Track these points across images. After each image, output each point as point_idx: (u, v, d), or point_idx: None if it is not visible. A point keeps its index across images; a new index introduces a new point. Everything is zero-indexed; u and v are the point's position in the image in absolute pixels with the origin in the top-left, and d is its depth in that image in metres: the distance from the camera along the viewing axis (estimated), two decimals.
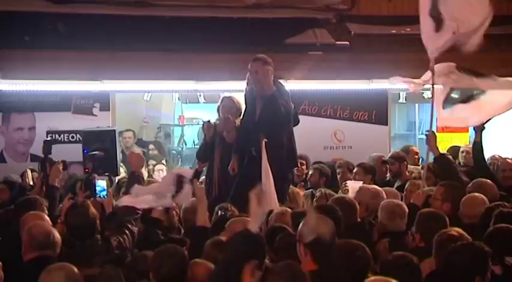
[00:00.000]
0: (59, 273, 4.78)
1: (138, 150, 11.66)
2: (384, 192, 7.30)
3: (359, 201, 6.95)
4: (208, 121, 8.91)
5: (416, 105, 14.02)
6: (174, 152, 13.32)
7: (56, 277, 4.72)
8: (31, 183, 8.77)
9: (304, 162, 10.15)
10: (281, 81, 8.49)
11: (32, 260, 5.46)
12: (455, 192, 6.93)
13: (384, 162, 9.78)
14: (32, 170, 10.22)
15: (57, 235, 5.69)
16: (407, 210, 6.66)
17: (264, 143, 7.59)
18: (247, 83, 8.31)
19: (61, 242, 5.73)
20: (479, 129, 8.53)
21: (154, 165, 12.08)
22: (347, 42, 12.17)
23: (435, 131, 8.42)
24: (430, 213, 6.18)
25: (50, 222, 6.13)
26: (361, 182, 8.27)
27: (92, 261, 5.62)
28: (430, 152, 7.92)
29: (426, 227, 5.91)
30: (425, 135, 8.20)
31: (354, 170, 9.37)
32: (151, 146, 12.56)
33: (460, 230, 5.62)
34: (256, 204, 5.21)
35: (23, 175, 9.87)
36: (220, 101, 8.99)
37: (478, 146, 8.52)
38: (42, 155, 8.00)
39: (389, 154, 10.08)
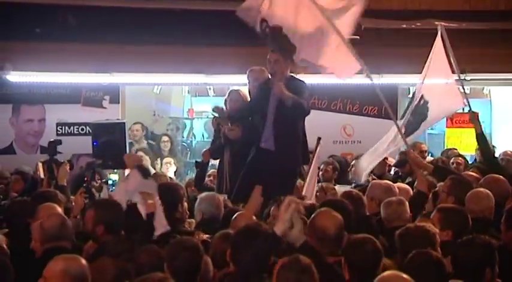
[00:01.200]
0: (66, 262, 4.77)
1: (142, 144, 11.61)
2: (395, 187, 7.27)
3: (371, 196, 6.93)
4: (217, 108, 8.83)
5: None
6: (183, 145, 13.32)
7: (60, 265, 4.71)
8: (42, 176, 8.78)
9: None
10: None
11: (47, 250, 5.46)
12: (461, 187, 6.89)
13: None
14: (43, 163, 10.24)
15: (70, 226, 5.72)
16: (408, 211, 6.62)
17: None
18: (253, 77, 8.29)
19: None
20: (474, 118, 8.18)
21: (162, 158, 12.10)
22: (357, 36, 12.13)
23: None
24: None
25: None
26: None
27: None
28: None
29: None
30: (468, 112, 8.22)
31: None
32: (165, 138, 12.55)
33: None
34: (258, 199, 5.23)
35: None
36: (227, 94, 8.99)
37: (482, 138, 8.19)
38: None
39: (397, 158, 10.00)
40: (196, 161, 9.23)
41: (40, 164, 8.86)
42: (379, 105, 12.14)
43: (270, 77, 8.13)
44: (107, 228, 5.67)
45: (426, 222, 5.61)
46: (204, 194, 7.15)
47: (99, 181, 8.26)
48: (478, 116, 8.19)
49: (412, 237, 5.24)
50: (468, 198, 6.59)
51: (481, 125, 8.21)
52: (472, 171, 8.30)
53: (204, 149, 9.17)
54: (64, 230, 5.63)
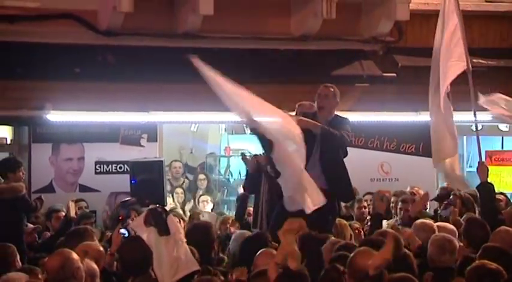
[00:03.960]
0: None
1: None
2: (434, 226, 7.22)
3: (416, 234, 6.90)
4: (243, 154, 8.90)
5: (464, 137, 13.80)
6: (220, 182, 13.34)
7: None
8: (72, 214, 8.84)
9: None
10: None
11: None
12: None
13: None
14: (77, 201, 10.33)
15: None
16: (457, 246, 6.57)
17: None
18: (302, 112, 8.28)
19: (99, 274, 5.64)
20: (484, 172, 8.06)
21: (199, 196, 12.12)
22: (394, 74, 12.14)
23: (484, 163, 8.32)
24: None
25: (102, 250, 6.15)
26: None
27: None
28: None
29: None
30: (477, 164, 8.12)
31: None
32: (201, 176, 12.60)
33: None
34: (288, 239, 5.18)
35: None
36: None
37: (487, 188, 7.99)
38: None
39: (438, 191, 9.92)
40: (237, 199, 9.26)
41: (71, 203, 8.91)
42: (416, 143, 12.10)
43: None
44: None
45: None
46: (237, 233, 7.15)
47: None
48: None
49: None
50: None
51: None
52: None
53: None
54: (65, 272, 5.22)
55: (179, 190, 12.10)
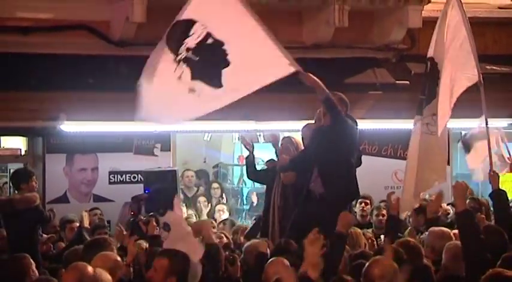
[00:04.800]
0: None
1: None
2: (451, 233, 7.17)
3: (427, 243, 6.85)
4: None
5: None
6: (234, 191, 13.34)
7: None
8: (86, 225, 8.85)
9: (368, 201, 10.09)
10: None
11: None
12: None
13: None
14: (91, 209, 10.35)
15: None
16: None
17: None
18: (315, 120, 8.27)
19: None
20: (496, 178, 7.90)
21: (215, 206, 12.11)
22: (407, 82, 12.12)
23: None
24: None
25: (119, 260, 6.14)
26: None
27: None
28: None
29: None
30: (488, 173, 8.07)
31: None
32: (215, 185, 12.60)
33: None
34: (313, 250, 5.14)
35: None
36: (280, 141, 9.02)
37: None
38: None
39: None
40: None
41: (85, 213, 8.92)
42: None
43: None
44: (178, 281, 5.48)
45: None
46: (248, 244, 7.13)
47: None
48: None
49: None
50: None
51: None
52: None
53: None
54: None
55: (202, 199, 12.10)
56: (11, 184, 10.12)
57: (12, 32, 10.87)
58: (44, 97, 10.82)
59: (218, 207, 11.98)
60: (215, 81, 7.23)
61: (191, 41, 7.28)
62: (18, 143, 11.69)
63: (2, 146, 11.81)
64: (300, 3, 11.49)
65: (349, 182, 7.93)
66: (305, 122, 8.73)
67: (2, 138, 11.76)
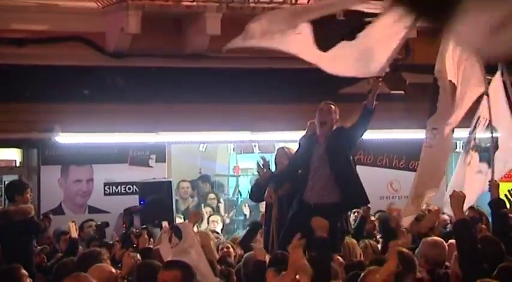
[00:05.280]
0: None
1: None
2: (444, 243, 7.16)
3: (420, 253, 6.84)
4: (264, 158, 8.87)
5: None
6: (229, 202, 13.33)
7: None
8: (73, 235, 8.81)
9: (361, 211, 10.06)
10: None
11: None
12: None
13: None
14: (86, 221, 10.32)
15: None
16: None
17: None
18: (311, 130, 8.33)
19: None
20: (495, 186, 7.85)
21: (209, 216, 12.10)
22: (402, 92, 12.14)
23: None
24: None
25: (114, 272, 6.12)
26: None
27: None
28: None
29: None
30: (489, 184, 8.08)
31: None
32: (211, 195, 12.59)
33: None
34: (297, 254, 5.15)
35: (81, 227, 9.99)
36: (275, 152, 9.03)
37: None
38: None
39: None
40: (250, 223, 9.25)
41: (71, 224, 8.88)
42: None
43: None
44: None
45: None
46: (245, 256, 7.11)
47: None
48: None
49: None
50: None
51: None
52: None
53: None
54: None
55: (208, 209, 12.10)
56: (5, 196, 10.09)
57: (7, 44, 10.90)
58: (39, 108, 10.83)
59: (212, 218, 11.97)
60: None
61: None
62: (13, 154, 11.67)
63: None
64: None
65: (362, 188, 8.04)
66: (300, 133, 8.73)
67: None
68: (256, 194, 9.01)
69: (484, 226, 8.51)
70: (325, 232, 6.28)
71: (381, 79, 8.01)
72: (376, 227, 9.83)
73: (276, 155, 8.94)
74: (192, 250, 5.80)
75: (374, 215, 10.55)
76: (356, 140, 8.23)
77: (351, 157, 8.20)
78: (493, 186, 7.91)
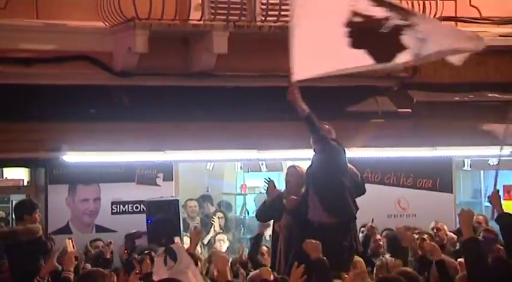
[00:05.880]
0: None
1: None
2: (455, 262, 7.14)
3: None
4: (272, 181, 8.87)
5: (482, 172, 13.78)
6: (237, 220, 13.32)
7: None
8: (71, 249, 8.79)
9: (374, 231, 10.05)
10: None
11: None
12: None
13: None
14: (94, 240, 10.30)
15: None
16: None
17: None
18: None
19: None
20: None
21: (215, 235, 12.09)
22: (409, 110, 12.14)
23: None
24: None
25: None
26: None
27: None
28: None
29: None
30: (488, 197, 7.99)
31: None
32: (219, 214, 12.58)
33: None
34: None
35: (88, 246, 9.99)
36: (285, 170, 9.03)
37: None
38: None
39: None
40: (250, 238, 9.23)
41: (68, 241, 8.86)
42: (433, 178, 12.07)
43: None
44: None
45: None
46: (251, 275, 7.09)
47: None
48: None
49: None
50: None
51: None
52: None
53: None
54: None
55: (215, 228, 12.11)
56: (13, 215, 10.10)
57: (15, 63, 10.93)
58: (46, 128, 10.84)
59: (218, 236, 11.96)
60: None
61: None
62: (20, 173, 11.70)
63: (4, 176, 11.83)
64: None
65: (346, 204, 7.95)
66: (307, 151, 8.73)
67: (5, 169, 11.79)
68: (263, 213, 8.99)
69: (500, 246, 8.43)
70: (318, 253, 6.28)
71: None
72: (381, 246, 9.78)
73: (286, 174, 8.94)
74: (189, 271, 5.78)
75: (382, 233, 10.54)
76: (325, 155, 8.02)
77: (338, 173, 8.04)
78: (494, 199, 7.47)
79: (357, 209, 8.24)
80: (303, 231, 7.95)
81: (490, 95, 11.48)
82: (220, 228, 12.36)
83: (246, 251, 10.14)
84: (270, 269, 7.31)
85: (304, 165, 8.73)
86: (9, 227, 10.69)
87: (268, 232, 9.56)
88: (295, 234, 8.19)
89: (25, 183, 11.50)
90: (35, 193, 11.24)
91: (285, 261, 8.22)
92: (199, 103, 11.39)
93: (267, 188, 8.86)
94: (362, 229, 10.14)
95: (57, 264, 7.54)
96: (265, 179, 8.95)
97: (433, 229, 10.18)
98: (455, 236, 10.02)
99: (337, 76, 11.73)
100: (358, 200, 8.35)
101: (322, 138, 7.95)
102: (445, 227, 10.26)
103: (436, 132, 11.58)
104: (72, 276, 7.20)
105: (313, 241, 6.41)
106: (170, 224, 10.12)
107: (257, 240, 9.04)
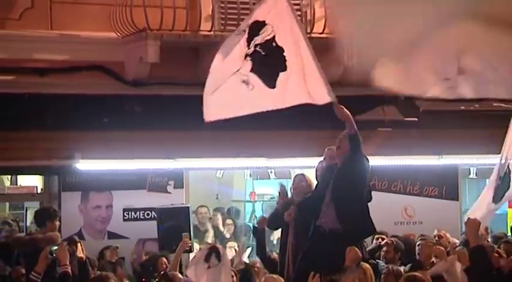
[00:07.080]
0: None
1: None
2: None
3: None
4: (284, 186, 8.97)
5: (487, 180, 13.89)
6: (246, 228, 13.44)
7: None
8: (81, 255, 8.92)
9: (384, 237, 10.15)
10: None
11: None
12: None
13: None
14: (107, 247, 10.45)
15: None
16: None
17: None
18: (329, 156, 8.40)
19: None
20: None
21: (226, 242, 12.21)
22: (416, 119, 12.26)
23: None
24: None
25: None
26: None
27: None
28: None
29: None
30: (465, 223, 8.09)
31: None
32: (228, 221, 12.73)
33: None
34: None
35: (102, 253, 10.15)
36: (293, 179, 9.12)
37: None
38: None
39: (462, 238, 9.95)
40: (253, 226, 9.32)
41: (77, 244, 8.98)
42: (439, 186, 12.18)
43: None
44: None
45: None
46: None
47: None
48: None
49: None
50: None
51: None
52: None
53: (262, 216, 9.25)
54: None
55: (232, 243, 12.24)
56: (33, 220, 10.20)
57: (30, 73, 11.13)
58: (59, 136, 10.98)
59: (229, 244, 12.07)
60: (270, 81, 7.47)
61: (260, 39, 7.63)
62: (34, 181, 11.87)
63: (19, 184, 12.00)
64: None
65: (365, 218, 8.05)
66: (315, 159, 8.86)
67: (19, 176, 11.97)
68: (274, 221, 9.05)
69: (497, 255, 8.55)
70: (354, 263, 6.31)
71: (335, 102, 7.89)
72: (395, 255, 9.81)
73: (293, 182, 9.04)
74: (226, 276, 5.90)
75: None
76: (359, 170, 8.04)
77: (364, 187, 8.13)
78: (469, 227, 6.58)
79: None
80: (313, 237, 8.05)
81: (495, 104, 11.60)
82: (230, 235, 12.50)
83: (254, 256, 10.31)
84: (277, 277, 7.42)
85: (312, 173, 8.86)
86: (25, 233, 10.85)
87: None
88: (303, 243, 8.29)
89: (39, 191, 11.66)
90: (48, 200, 11.38)
91: (293, 265, 8.33)
92: None
93: (279, 193, 8.95)
94: (376, 236, 10.20)
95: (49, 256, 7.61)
96: (279, 185, 9.03)
97: (435, 237, 10.32)
98: (457, 241, 10.15)
99: (344, 86, 11.99)
100: None
101: (362, 155, 8.05)
102: (448, 235, 10.38)
103: (442, 141, 11.71)
104: (69, 269, 7.24)
105: (355, 250, 6.43)
106: (181, 231, 10.24)
107: (259, 238, 9.03)
